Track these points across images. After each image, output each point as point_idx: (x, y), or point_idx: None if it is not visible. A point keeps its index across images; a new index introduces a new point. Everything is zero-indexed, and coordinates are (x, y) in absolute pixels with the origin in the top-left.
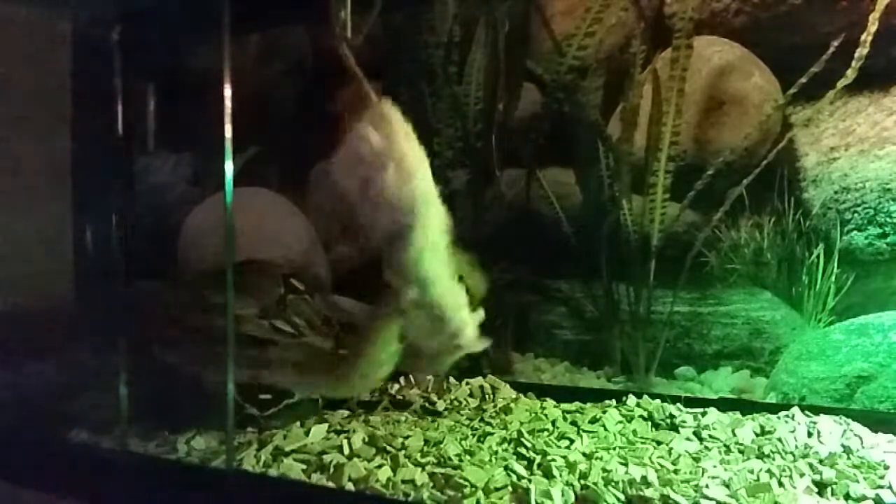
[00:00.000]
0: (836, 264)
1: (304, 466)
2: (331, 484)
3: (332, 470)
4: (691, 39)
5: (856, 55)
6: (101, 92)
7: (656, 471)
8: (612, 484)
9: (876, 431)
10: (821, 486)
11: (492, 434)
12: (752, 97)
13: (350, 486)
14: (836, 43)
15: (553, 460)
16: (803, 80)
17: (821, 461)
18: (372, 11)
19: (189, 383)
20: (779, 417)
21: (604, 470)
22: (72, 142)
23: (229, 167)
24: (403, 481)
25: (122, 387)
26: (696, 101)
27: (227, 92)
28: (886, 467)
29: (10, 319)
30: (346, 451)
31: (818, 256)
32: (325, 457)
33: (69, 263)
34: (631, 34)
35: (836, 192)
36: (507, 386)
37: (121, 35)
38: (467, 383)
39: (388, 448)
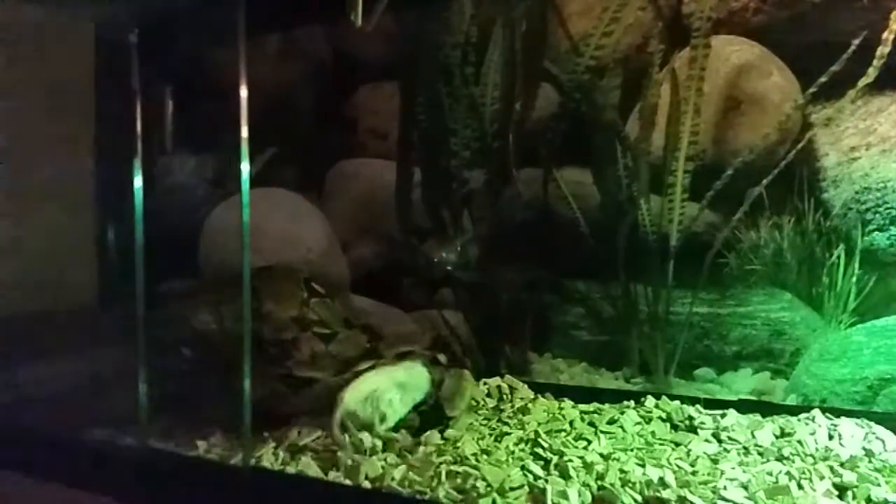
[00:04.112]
0: (857, 265)
1: (321, 464)
2: (347, 482)
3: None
4: (709, 38)
5: (877, 53)
6: (123, 94)
7: (674, 472)
8: (629, 485)
9: None
10: (841, 490)
11: (509, 434)
12: (771, 96)
13: (366, 484)
14: (856, 41)
15: (570, 461)
16: (823, 79)
17: (841, 464)
18: (381, 2)
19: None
20: (799, 419)
21: (621, 471)
22: (94, 144)
23: (246, 168)
24: (420, 480)
25: (143, 385)
26: (715, 101)
27: (244, 93)
28: None
29: (35, 320)
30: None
31: (839, 257)
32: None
33: (92, 264)
34: (649, 34)
35: (856, 192)
36: (525, 386)
37: (143, 38)
38: (485, 383)
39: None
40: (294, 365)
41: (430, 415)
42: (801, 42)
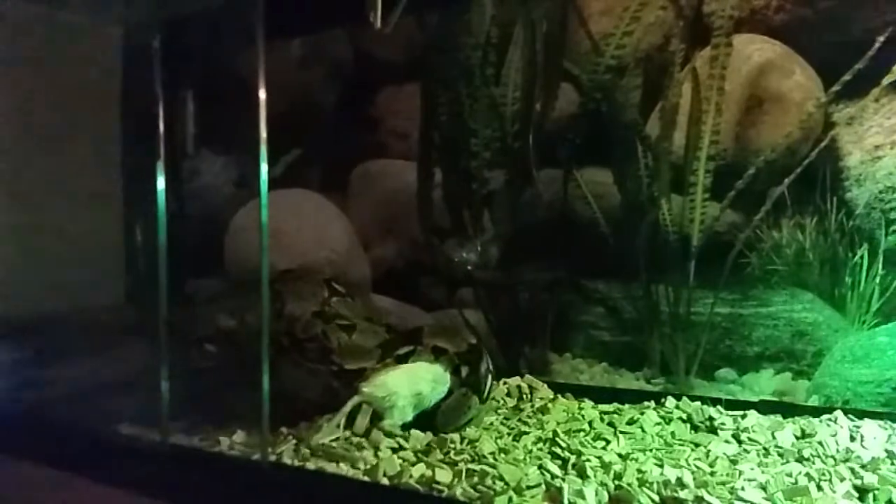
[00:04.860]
0: (880, 265)
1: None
2: (366, 479)
3: (367, 465)
4: (731, 37)
5: None
6: (150, 95)
7: (692, 472)
8: (647, 485)
9: None
10: (861, 492)
11: (528, 433)
12: (793, 95)
13: (385, 481)
14: (881, 38)
15: (588, 460)
16: (846, 77)
17: (863, 466)
18: (400, 4)
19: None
20: (820, 421)
21: (639, 471)
22: (122, 145)
23: (265, 169)
24: (437, 478)
25: (167, 383)
26: (737, 100)
27: (262, 95)
28: None
29: (66, 319)
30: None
31: (862, 257)
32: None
33: (121, 263)
34: (669, 33)
35: (880, 192)
36: (545, 386)
37: (170, 40)
38: (505, 383)
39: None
40: (341, 359)
41: (426, 418)
42: (824, 40)
